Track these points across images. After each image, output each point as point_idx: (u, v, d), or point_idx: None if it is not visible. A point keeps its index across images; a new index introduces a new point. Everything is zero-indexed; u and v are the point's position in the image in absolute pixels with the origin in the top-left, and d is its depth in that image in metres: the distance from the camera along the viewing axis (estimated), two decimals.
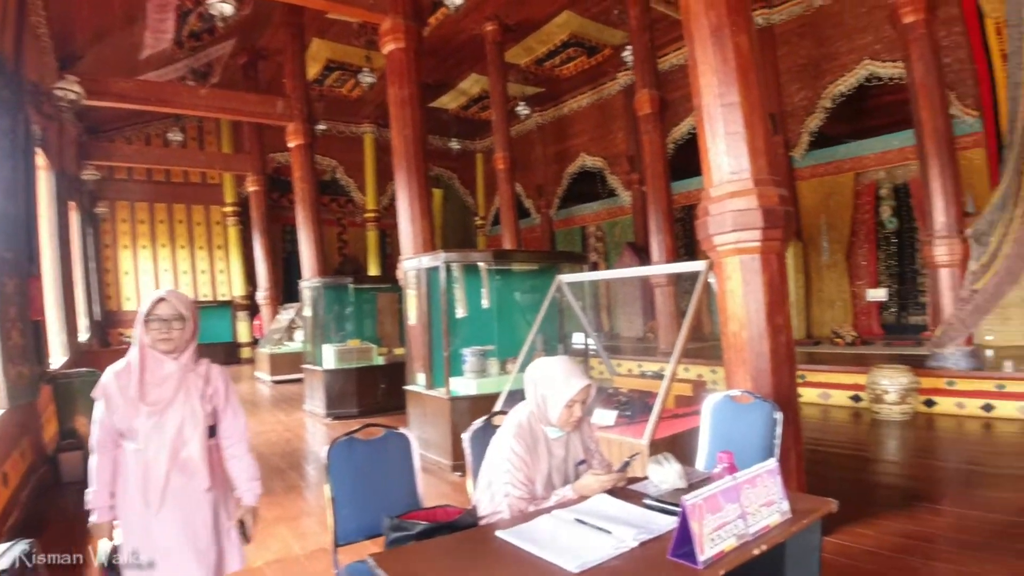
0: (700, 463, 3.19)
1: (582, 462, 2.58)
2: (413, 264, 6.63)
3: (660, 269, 6.99)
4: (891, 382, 6.84)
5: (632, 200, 14.64)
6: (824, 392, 7.85)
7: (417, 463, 2.73)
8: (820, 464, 5.42)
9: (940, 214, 7.23)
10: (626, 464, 2.47)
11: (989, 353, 8.16)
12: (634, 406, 4.56)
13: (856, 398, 7.52)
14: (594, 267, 15.41)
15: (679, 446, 4.00)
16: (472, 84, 15.25)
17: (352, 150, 18.34)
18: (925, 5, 7.29)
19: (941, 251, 7.21)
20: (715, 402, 3.30)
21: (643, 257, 12.72)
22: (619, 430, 4.29)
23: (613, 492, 2.35)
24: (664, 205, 10.51)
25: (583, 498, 2.31)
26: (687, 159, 11.07)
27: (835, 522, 3.88)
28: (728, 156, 3.72)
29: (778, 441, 3.00)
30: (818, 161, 11.57)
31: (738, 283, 3.74)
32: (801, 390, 7.73)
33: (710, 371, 8.99)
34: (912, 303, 10.80)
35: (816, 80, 11.26)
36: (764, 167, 3.69)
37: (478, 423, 2.87)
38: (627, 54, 11.86)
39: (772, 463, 2.09)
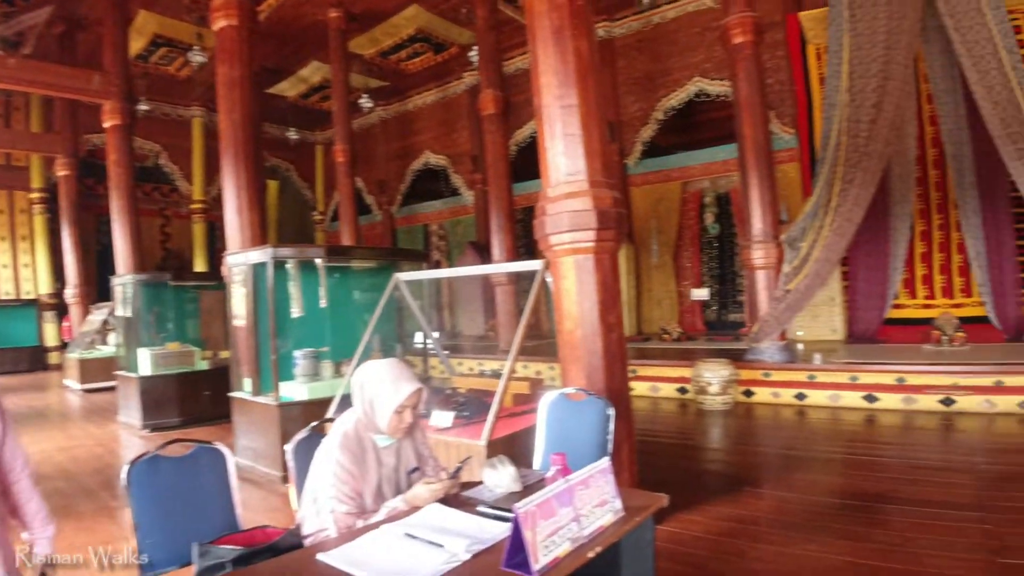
0: (537, 462, 3.18)
1: (415, 470, 2.46)
2: (239, 259, 6.16)
3: (497, 268, 6.95)
4: (714, 374, 7.33)
5: (475, 199, 14.69)
6: (654, 385, 8.27)
7: (234, 480, 2.48)
8: (652, 455, 5.63)
9: (758, 221, 7.84)
10: (458, 470, 2.39)
11: (800, 347, 8.94)
12: (472, 406, 4.51)
13: (682, 390, 7.97)
14: (436, 266, 15.32)
15: (518, 445, 4.00)
16: (313, 72, 14.60)
17: (178, 134, 16.85)
18: (753, 28, 7.85)
19: (758, 254, 7.83)
20: (551, 400, 3.30)
21: (485, 256, 12.80)
22: (457, 431, 4.21)
23: (447, 500, 2.25)
24: (505, 205, 10.64)
25: (415, 509, 2.19)
26: (529, 161, 11.25)
27: (667, 511, 3.99)
28: (565, 157, 3.76)
29: (611, 437, 3.05)
30: (649, 169, 12.27)
31: (573, 282, 3.79)
32: (633, 384, 8.11)
33: (548, 368, 9.19)
34: (731, 302, 11.69)
35: (651, 93, 11.87)
36: (599, 169, 3.76)
37: (303, 433, 2.68)
38: (473, 54, 11.88)
39: (605, 462, 2.08)
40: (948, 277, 9.48)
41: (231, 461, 2.49)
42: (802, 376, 7.44)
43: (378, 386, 2.32)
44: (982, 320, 8.95)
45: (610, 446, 3.03)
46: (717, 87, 10.91)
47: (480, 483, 2.45)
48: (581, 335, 3.80)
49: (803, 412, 7.11)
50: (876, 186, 7.47)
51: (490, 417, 3.96)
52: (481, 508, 2.16)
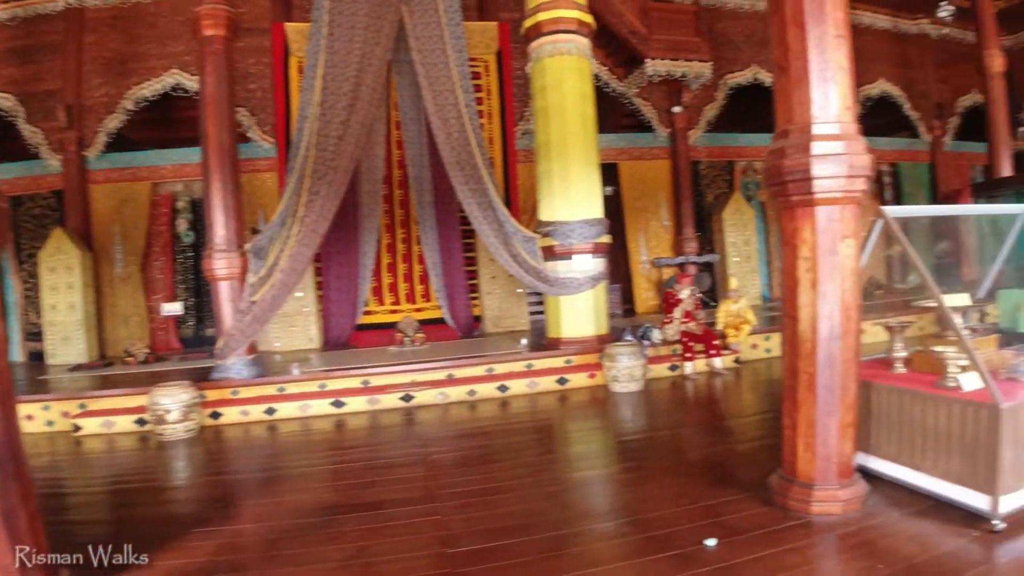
0: None
1: None
2: None
3: None
4: (172, 400, 6.46)
5: None
6: (107, 420, 6.93)
7: None
8: (99, 507, 4.73)
9: (220, 228, 7.33)
10: None
11: (278, 358, 8.76)
12: None
13: (141, 421, 6.86)
14: None
15: None
16: None
17: None
18: (226, 24, 7.45)
19: (221, 264, 7.30)
20: None
21: None
22: None
23: None
24: None
25: None
26: None
27: None
28: None
29: None
30: (115, 165, 10.66)
31: None
32: (82, 422, 6.80)
33: None
34: (208, 315, 10.81)
35: (122, 78, 10.40)
36: None
37: None
38: None
39: None
40: (411, 284, 10.55)
41: None
42: (272, 389, 7.21)
43: None
44: (439, 321, 10.20)
45: None
46: (196, 83, 10.07)
47: None
48: None
49: (274, 427, 6.79)
50: (341, 199, 7.73)
51: None
52: None
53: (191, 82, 10.17)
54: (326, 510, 4.22)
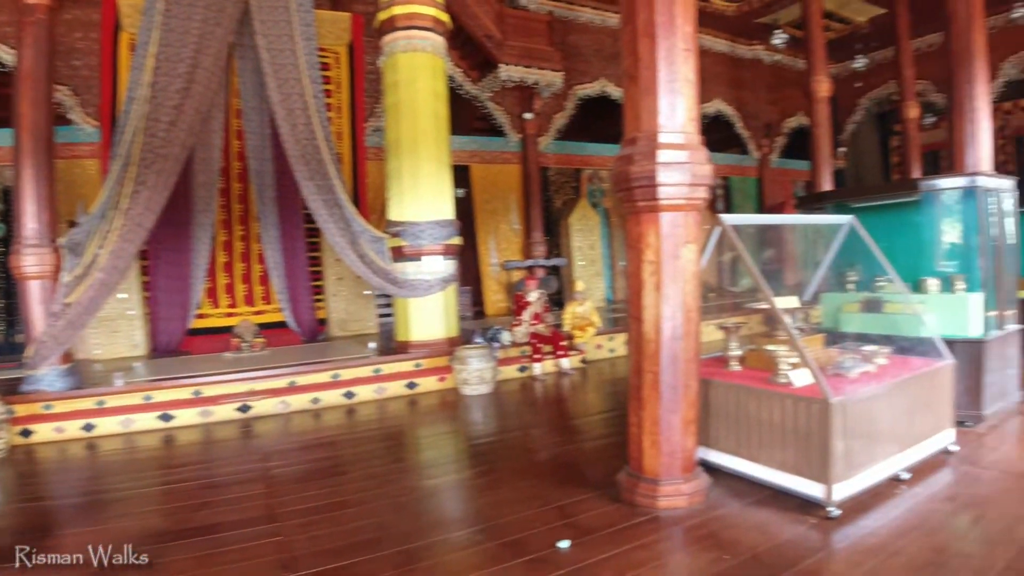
0: None
1: None
2: None
3: None
4: None
5: None
6: None
7: None
8: None
9: (31, 220, 6.58)
10: None
11: (98, 367, 8.02)
12: None
13: None
14: None
15: None
16: None
17: None
18: None
19: (31, 261, 6.55)
20: None
21: None
22: None
23: None
24: None
25: None
26: None
27: None
28: None
29: None
30: None
31: None
32: None
33: None
34: (18, 319, 9.62)
35: None
36: None
37: None
38: None
39: None
40: (250, 286, 10.02)
41: None
42: (91, 403, 6.52)
43: None
44: (281, 325, 9.77)
45: None
46: (14, 57, 8.96)
47: None
48: None
49: (94, 446, 6.14)
50: (171, 190, 7.16)
51: None
52: None
53: (9, 55, 9.04)
54: (153, 537, 3.85)
